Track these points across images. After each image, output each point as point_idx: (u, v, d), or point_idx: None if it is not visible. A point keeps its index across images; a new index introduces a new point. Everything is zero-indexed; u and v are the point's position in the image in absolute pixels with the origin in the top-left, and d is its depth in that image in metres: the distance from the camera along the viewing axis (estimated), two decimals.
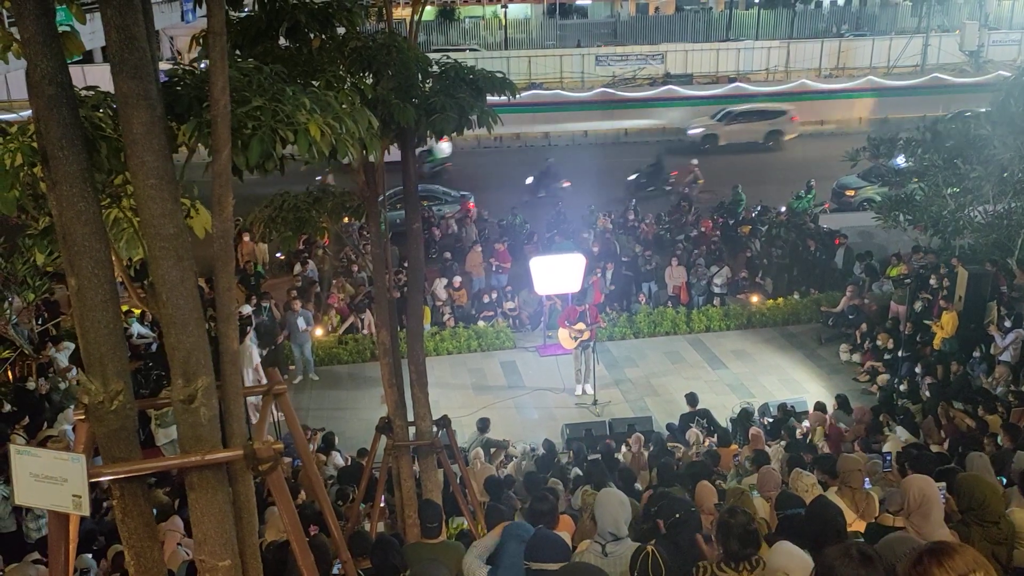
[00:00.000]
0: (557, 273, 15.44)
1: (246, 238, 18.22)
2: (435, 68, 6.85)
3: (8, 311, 12.59)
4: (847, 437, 11.67)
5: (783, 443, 11.47)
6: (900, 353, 14.49)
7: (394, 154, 7.09)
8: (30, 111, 3.68)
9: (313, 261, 18.66)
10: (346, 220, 8.08)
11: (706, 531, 5.91)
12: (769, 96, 33.82)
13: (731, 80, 35.67)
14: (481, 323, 17.08)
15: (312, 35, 5.95)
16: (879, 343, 15.02)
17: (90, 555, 7.93)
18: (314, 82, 5.00)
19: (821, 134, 32.35)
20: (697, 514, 6.10)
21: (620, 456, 11.50)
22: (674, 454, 11.41)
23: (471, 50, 38.27)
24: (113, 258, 4.05)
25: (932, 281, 15.18)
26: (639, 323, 17.09)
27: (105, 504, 9.12)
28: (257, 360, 13.63)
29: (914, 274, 15.85)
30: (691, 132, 30.72)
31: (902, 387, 13.59)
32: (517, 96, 7.35)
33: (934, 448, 10.25)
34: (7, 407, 11.57)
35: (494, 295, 17.78)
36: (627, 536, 4.85)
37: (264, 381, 5.21)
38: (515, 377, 15.78)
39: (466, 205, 22.92)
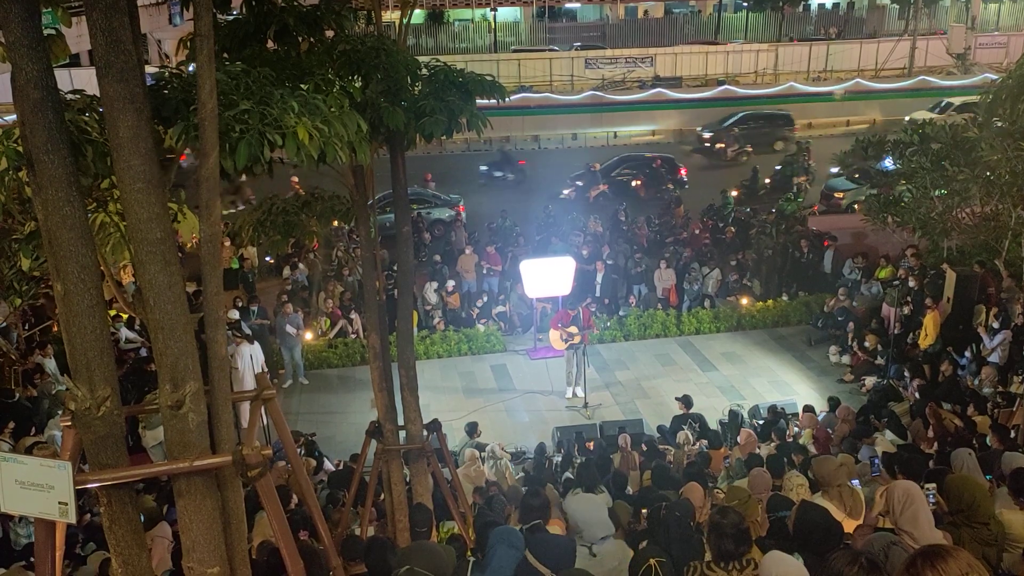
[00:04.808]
0: (547, 276, 15.44)
1: (227, 242, 18.05)
2: (424, 71, 6.84)
3: None
4: (835, 439, 11.70)
5: (773, 445, 11.48)
6: (880, 360, 14.55)
7: None
8: (15, 115, 3.65)
9: (303, 265, 18.58)
10: (335, 224, 8.04)
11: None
12: (758, 99, 33.91)
13: (720, 83, 35.82)
14: (480, 326, 17.02)
15: (301, 38, 5.94)
16: (867, 344, 15.08)
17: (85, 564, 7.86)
18: (303, 85, 4.97)
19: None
20: (689, 516, 6.11)
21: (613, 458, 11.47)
22: (665, 456, 11.41)
23: (543, 50, 39.44)
24: (100, 262, 4.02)
25: (914, 283, 15.29)
26: (629, 325, 17.09)
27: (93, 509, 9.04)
28: (262, 367, 13.26)
29: (912, 275, 15.87)
30: None
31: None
32: (506, 99, 7.34)
33: (926, 450, 10.28)
34: None
35: (485, 298, 17.76)
36: (612, 532, 4.79)
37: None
38: (505, 380, 15.75)
39: (457, 209, 22.91)
